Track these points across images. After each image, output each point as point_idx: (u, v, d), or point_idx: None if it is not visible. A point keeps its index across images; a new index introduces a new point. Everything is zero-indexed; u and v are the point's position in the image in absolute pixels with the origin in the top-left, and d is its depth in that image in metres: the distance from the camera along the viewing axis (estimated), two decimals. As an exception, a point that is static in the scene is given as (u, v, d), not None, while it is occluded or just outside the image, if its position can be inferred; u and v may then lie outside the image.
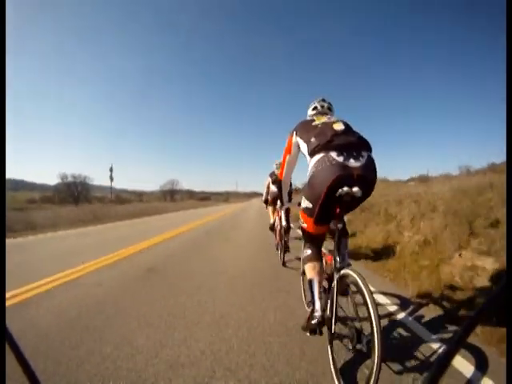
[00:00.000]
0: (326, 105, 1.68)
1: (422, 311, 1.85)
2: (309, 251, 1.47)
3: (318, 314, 1.30)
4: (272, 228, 4.03)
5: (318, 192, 1.23)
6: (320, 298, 1.34)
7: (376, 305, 0.94)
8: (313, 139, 1.31)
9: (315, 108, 1.69)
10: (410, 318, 1.74)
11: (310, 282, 1.41)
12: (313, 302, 1.36)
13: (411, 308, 1.91)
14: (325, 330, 1.27)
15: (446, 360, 0.33)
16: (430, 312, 1.82)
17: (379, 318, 0.91)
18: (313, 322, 1.29)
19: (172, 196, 55.92)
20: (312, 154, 1.29)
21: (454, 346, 0.33)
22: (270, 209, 4.24)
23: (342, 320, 1.18)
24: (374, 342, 0.90)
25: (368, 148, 1.27)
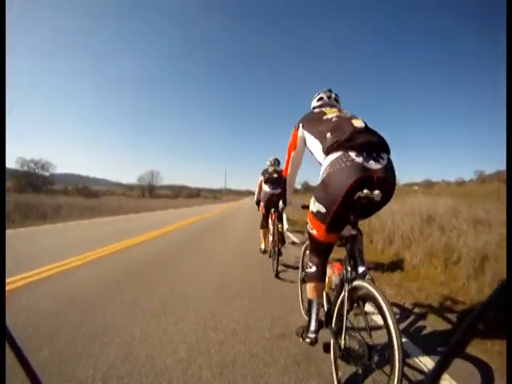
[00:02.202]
0: (332, 96, 1.68)
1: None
2: (314, 268, 1.44)
3: (312, 335, 1.41)
4: (264, 252, 3.85)
5: (335, 195, 1.19)
6: (317, 320, 1.43)
7: (397, 322, 0.92)
8: (329, 135, 1.28)
9: (321, 99, 1.68)
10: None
11: (310, 302, 1.47)
12: (308, 322, 1.46)
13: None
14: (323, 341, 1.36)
15: (445, 361, 0.36)
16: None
17: (401, 336, 0.90)
18: (306, 340, 1.43)
19: (151, 191, 54.43)
20: (328, 151, 1.26)
21: (454, 347, 0.35)
22: (262, 232, 3.94)
23: (350, 335, 1.17)
24: (394, 364, 0.88)
25: (387, 150, 1.26)
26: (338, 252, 4.25)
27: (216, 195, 72.46)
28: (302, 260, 2.15)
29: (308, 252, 1.55)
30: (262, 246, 3.94)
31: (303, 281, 2.13)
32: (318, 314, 1.44)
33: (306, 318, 1.89)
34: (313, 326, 1.43)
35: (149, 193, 53.50)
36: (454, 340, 0.34)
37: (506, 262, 0.42)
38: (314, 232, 1.37)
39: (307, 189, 48.47)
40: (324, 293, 1.55)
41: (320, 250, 1.43)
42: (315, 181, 1.42)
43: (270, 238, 3.57)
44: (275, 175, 3.75)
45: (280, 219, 3.35)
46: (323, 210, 1.26)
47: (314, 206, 1.32)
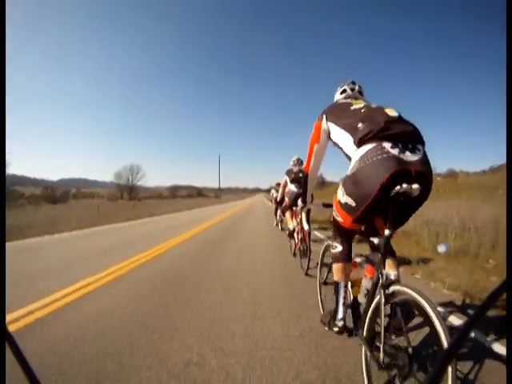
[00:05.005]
0: (356, 88, 1.83)
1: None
2: (339, 247, 1.61)
3: (340, 323, 1.51)
4: (291, 234, 4.33)
5: (367, 191, 1.26)
6: (344, 305, 1.54)
7: (449, 333, 0.93)
8: (360, 125, 1.36)
9: (344, 91, 1.84)
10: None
11: (337, 284, 1.59)
12: (335, 308, 1.57)
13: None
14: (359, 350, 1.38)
15: (446, 359, 0.39)
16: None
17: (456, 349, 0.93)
18: (334, 329, 1.56)
19: (131, 192, 53.87)
20: (360, 143, 1.33)
21: (454, 345, 0.39)
22: (288, 213, 4.59)
23: (387, 343, 1.22)
24: (448, 379, 0.89)
25: (423, 141, 1.33)
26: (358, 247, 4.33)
27: (217, 194, 74.72)
28: (321, 261, 2.29)
29: (332, 234, 1.73)
30: (291, 227, 4.35)
31: (324, 283, 2.31)
32: (345, 298, 1.55)
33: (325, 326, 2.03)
34: (341, 312, 1.54)
35: (128, 194, 52.87)
36: (454, 338, 0.38)
37: (505, 262, 0.47)
38: (340, 219, 1.52)
39: (323, 183, 48.21)
40: (352, 296, 1.70)
41: (344, 234, 1.61)
42: (331, 175, 1.53)
43: (296, 238, 4.05)
44: (301, 174, 4.27)
45: (307, 218, 3.66)
46: (353, 203, 1.36)
47: (343, 197, 1.42)
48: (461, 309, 2.34)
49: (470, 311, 2.28)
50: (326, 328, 1.67)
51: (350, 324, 1.66)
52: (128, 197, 51.35)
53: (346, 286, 1.57)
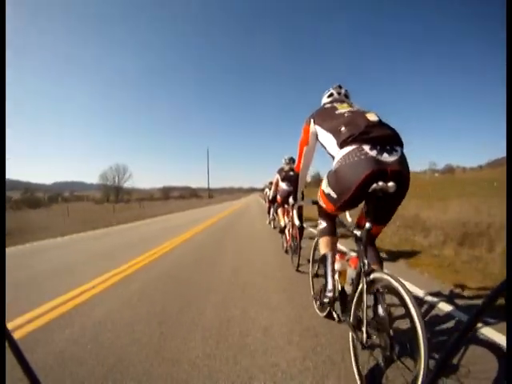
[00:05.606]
0: (342, 91, 1.98)
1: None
2: (324, 224, 1.81)
3: (330, 293, 1.60)
4: (283, 231, 4.46)
5: (347, 187, 1.42)
6: (333, 276, 1.65)
7: (421, 313, 1.05)
8: (343, 129, 1.49)
9: (331, 95, 1.99)
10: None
11: (324, 257, 1.73)
12: (325, 279, 1.68)
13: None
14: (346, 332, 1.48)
15: (445, 359, 0.41)
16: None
17: (426, 327, 1.03)
18: (325, 300, 1.66)
19: (117, 194, 52.71)
20: (342, 145, 1.46)
21: (454, 345, 0.40)
22: (280, 210, 4.78)
23: (371, 327, 1.35)
24: (419, 354, 1.00)
25: (401, 143, 1.46)
26: (346, 242, 4.51)
27: (209, 194, 74.55)
28: (313, 255, 2.39)
29: (317, 213, 1.90)
30: (282, 223, 4.56)
31: (316, 275, 2.43)
32: (333, 271, 1.67)
33: (321, 313, 2.20)
34: (330, 284, 1.65)
35: (115, 195, 51.72)
36: (454, 337, 0.40)
37: (506, 262, 0.48)
38: (323, 205, 1.70)
39: (319, 181, 48.54)
40: (339, 286, 1.79)
41: (328, 215, 1.80)
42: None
43: (289, 233, 4.21)
44: (291, 173, 4.53)
45: (299, 215, 3.81)
46: (334, 195, 1.53)
47: (326, 188, 1.60)
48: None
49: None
50: (318, 303, 1.76)
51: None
52: (115, 199, 49.88)
53: (333, 257, 1.70)
